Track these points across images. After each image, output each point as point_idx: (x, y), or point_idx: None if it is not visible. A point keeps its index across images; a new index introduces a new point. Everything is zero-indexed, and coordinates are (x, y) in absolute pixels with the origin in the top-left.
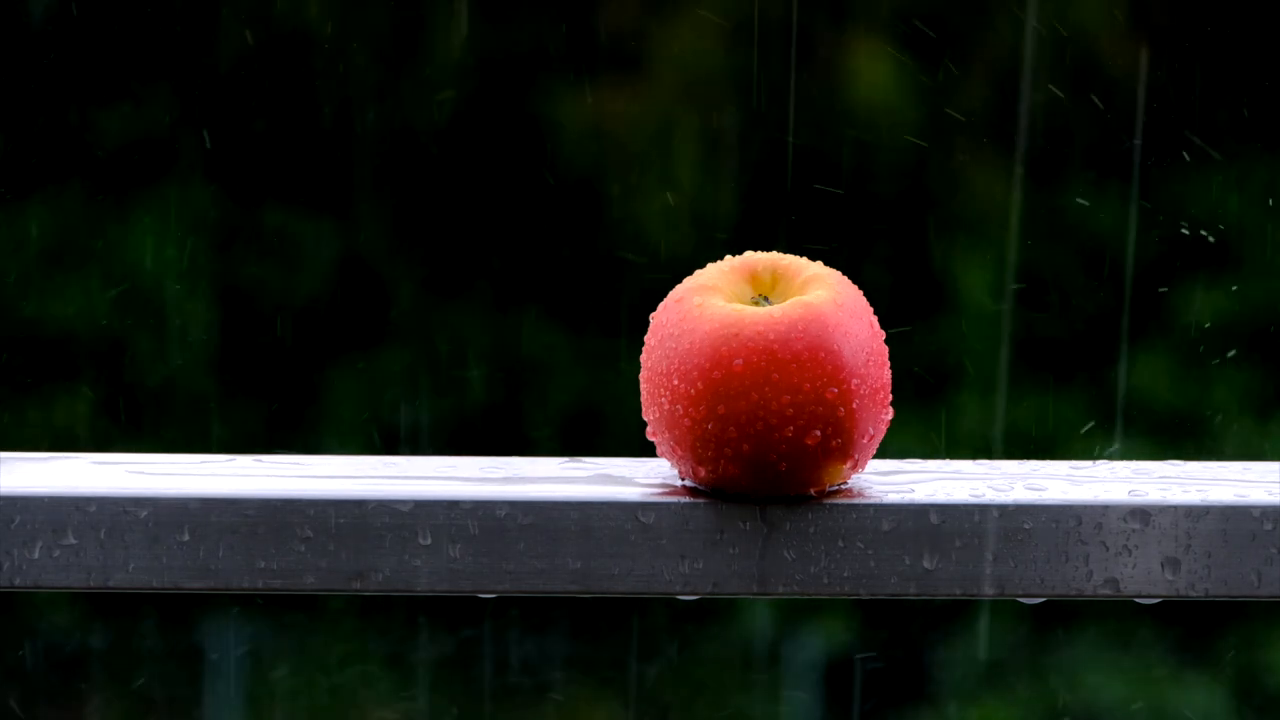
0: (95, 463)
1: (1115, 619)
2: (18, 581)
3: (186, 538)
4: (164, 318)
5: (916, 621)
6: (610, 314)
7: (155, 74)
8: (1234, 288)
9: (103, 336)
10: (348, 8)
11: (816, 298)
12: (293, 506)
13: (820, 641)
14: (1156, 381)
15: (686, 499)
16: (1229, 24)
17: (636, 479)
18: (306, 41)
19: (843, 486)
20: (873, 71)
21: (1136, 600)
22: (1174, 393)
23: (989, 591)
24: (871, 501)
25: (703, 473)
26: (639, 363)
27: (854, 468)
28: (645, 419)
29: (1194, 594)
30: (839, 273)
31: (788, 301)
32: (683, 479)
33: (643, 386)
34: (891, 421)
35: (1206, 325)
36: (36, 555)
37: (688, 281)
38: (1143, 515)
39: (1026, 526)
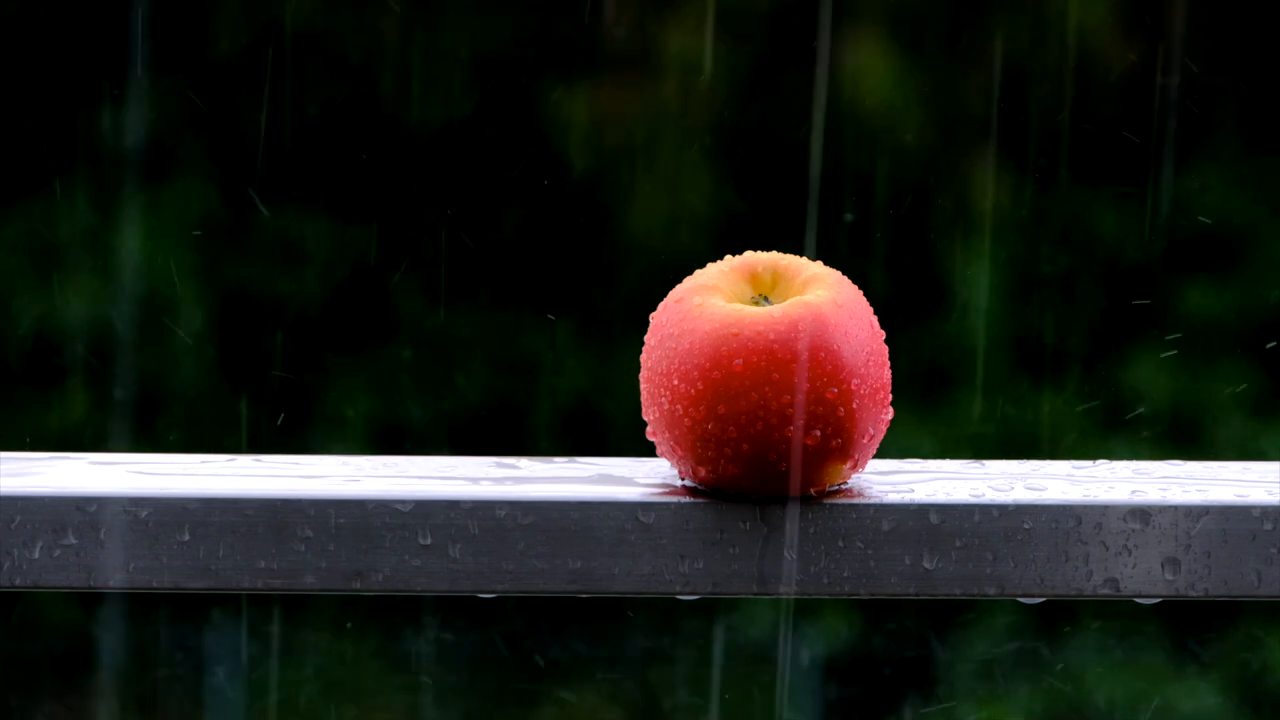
0: (95, 463)
1: (1115, 619)
2: (18, 581)
3: (186, 538)
4: (164, 318)
5: (917, 621)
6: (610, 314)
7: (155, 74)
8: (1234, 288)
9: (103, 336)
10: (348, 8)
11: (816, 298)
12: (293, 506)
13: (820, 641)
14: (1156, 381)
15: (686, 499)
16: (1230, 23)
17: (636, 479)
18: (307, 41)
19: (843, 486)
20: (873, 71)
21: (1136, 600)
22: (1174, 393)
23: (989, 591)
24: (871, 501)
25: (703, 473)
26: (639, 363)
27: (854, 468)
28: (645, 419)
29: (1194, 594)
30: (839, 273)
31: (788, 301)
32: (683, 479)
33: (643, 386)
34: (891, 421)
35: (1206, 325)
36: (36, 555)
37: (688, 281)
38: (1143, 515)
39: (1026, 526)
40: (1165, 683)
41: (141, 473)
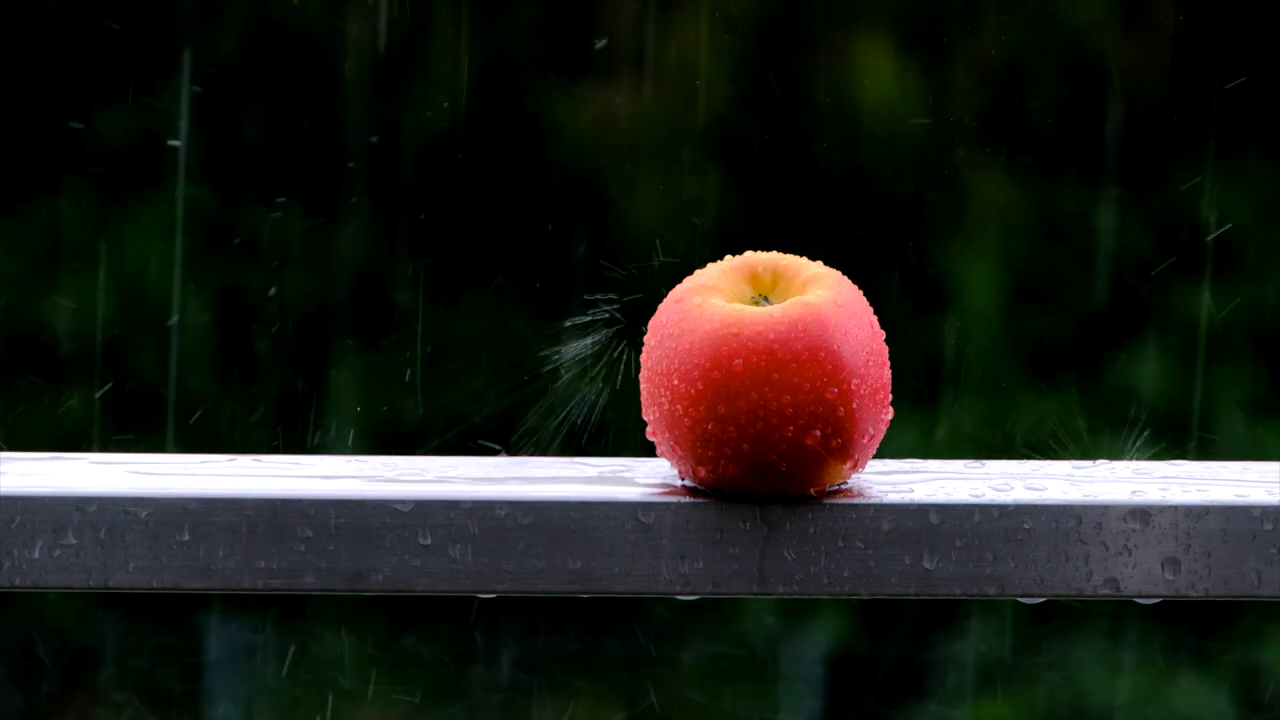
0: (95, 463)
1: (1115, 619)
2: (18, 581)
3: (186, 538)
4: (163, 318)
5: (917, 621)
6: (610, 314)
7: (155, 74)
8: (1234, 288)
9: (103, 336)
10: (349, 8)
11: (816, 298)
12: (293, 506)
13: (820, 641)
14: (1156, 381)
15: (686, 499)
16: (1231, 23)
17: (636, 479)
18: (307, 41)
19: (843, 486)
20: (873, 70)
21: (1136, 600)
22: (1174, 393)
23: (989, 591)
24: (871, 501)
25: (703, 473)
26: (639, 363)
27: (854, 468)
28: (645, 419)
29: (1194, 594)
30: (839, 273)
31: (788, 301)
32: (683, 479)
33: (643, 386)
34: (891, 421)
35: (1206, 325)
36: (36, 555)
37: (688, 281)
38: (1143, 515)
39: (1026, 526)
40: (1165, 683)
41: (141, 473)
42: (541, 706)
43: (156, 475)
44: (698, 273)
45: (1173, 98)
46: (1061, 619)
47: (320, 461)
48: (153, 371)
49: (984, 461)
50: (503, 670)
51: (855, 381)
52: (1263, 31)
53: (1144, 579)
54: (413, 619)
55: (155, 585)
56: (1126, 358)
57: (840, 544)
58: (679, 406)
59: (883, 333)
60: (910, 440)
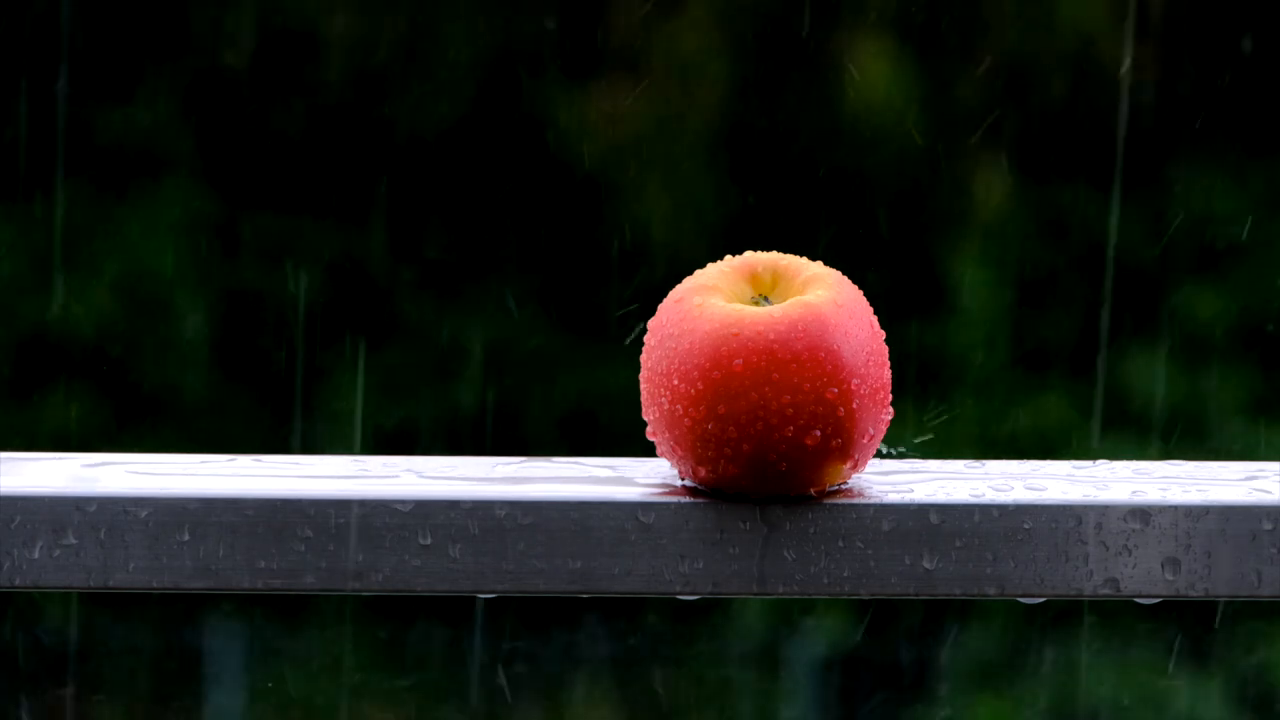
0: (95, 463)
1: (1115, 619)
2: (18, 581)
3: (186, 538)
4: (164, 318)
5: (916, 621)
6: (610, 314)
7: (155, 74)
8: (1234, 287)
9: (103, 336)
10: (349, 8)
11: (816, 298)
12: (293, 506)
13: (820, 641)
14: (1156, 381)
15: (686, 499)
16: (1230, 24)
17: (636, 479)
18: (307, 41)
19: (843, 486)
20: (873, 70)
21: (1136, 600)
22: (1174, 392)
23: (989, 591)
24: (871, 501)
25: (703, 473)
26: (639, 362)
27: (854, 468)
28: (645, 419)
29: (1194, 594)
30: (839, 273)
31: (788, 301)
32: (683, 479)
33: (643, 386)
34: (891, 421)
35: (1206, 325)
36: (36, 555)
37: (688, 281)
38: (1143, 515)
39: (1026, 526)
40: (1165, 683)
41: (141, 473)
42: (541, 707)
43: (156, 475)
44: (698, 273)
45: (1174, 98)
46: (1062, 620)
47: (320, 461)
48: (153, 371)
49: (984, 461)
50: (502, 670)
51: (855, 381)
52: (1263, 31)
53: (1144, 579)
54: (412, 618)
55: (155, 585)
56: (1127, 357)
57: (840, 544)
58: (679, 406)
59: (883, 333)
60: (910, 440)
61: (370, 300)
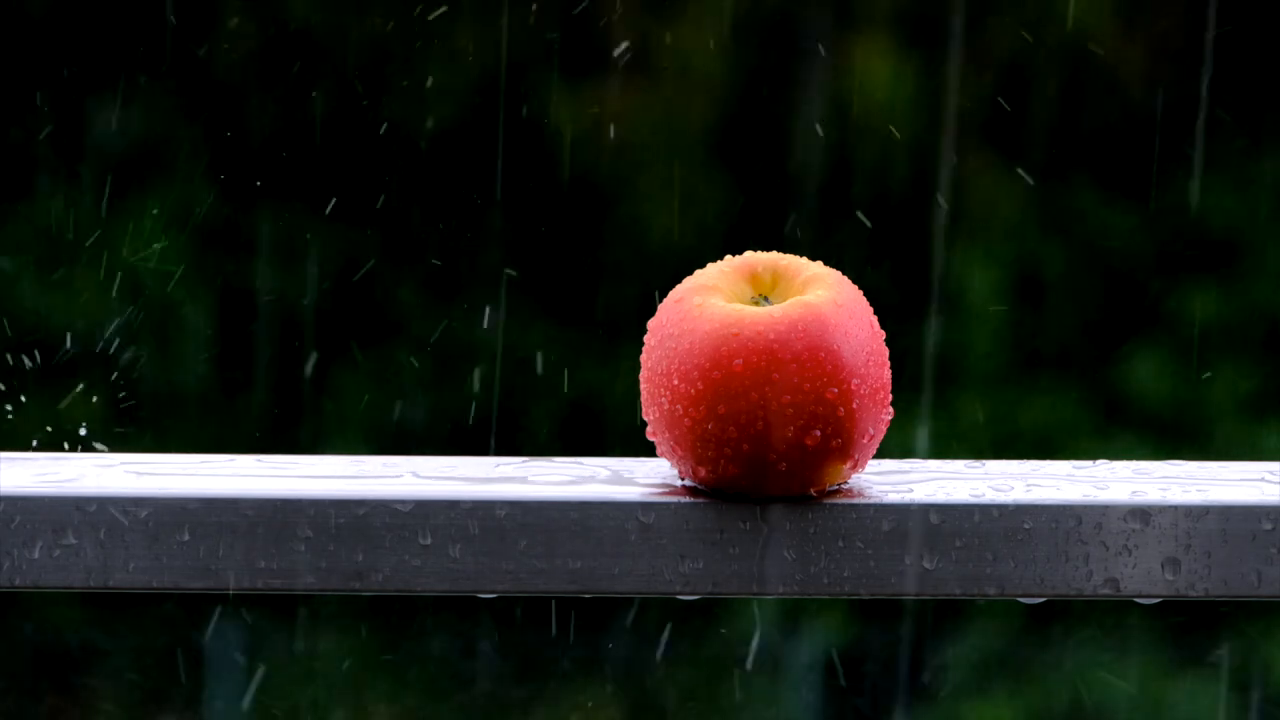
0: (95, 463)
1: (1115, 618)
2: (18, 581)
3: (186, 538)
4: (164, 317)
5: (916, 621)
6: (610, 314)
7: (155, 73)
8: (1234, 288)
9: (103, 336)
10: (349, 8)
11: (816, 298)
12: (293, 506)
13: (820, 641)
14: (1156, 381)
15: (686, 499)
16: (1231, 23)
17: (636, 479)
18: (307, 41)
19: (843, 486)
20: (874, 70)
21: (1136, 600)
22: (1174, 393)
23: (989, 591)
24: (871, 501)
25: (703, 473)
26: (639, 363)
27: (854, 468)
28: (645, 419)
29: (1194, 594)
30: (839, 273)
31: (788, 301)
32: (683, 479)
33: (643, 386)
34: (891, 421)
35: (1206, 325)
36: (36, 555)
37: (688, 281)
38: (1143, 515)
39: (1026, 526)
40: (1165, 683)
41: (141, 473)
42: (541, 707)
43: (156, 475)
44: (698, 273)
45: (1174, 98)
46: (1062, 620)
47: (320, 461)
48: (153, 371)
49: (984, 461)
50: (501, 670)
51: (855, 381)
52: (1264, 32)
53: (1144, 579)
54: (411, 617)
55: (155, 585)
56: (1127, 357)
57: (840, 544)
58: (679, 406)
59: (883, 333)
60: (911, 440)
61: (370, 300)
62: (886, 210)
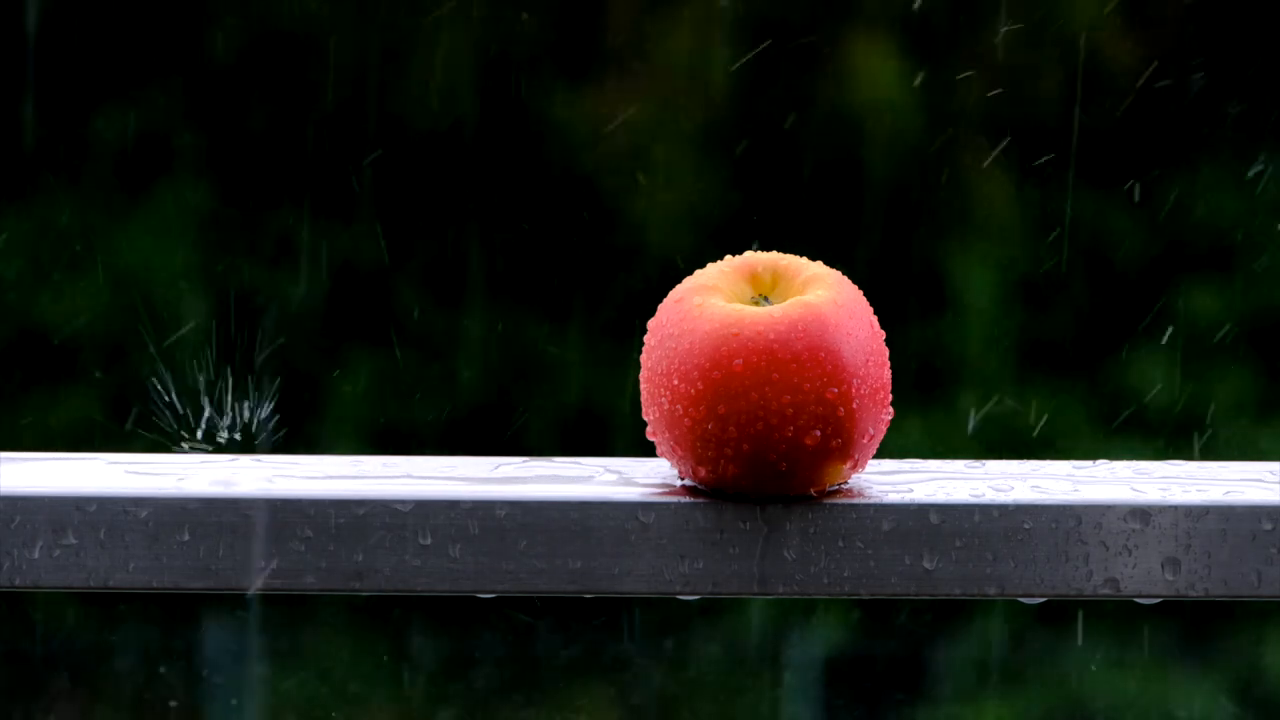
0: (95, 463)
1: (1115, 619)
2: (18, 581)
3: (186, 538)
4: (164, 318)
5: (916, 621)
6: (610, 314)
7: (154, 74)
8: (1234, 287)
9: (103, 336)
10: (348, 7)
11: (816, 298)
12: (293, 506)
13: (820, 641)
14: (1156, 381)
15: (686, 499)
16: (1231, 23)
17: (636, 479)
18: (306, 41)
19: (843, 486)
20: (873, 70)
21: (1136, 600)
22: (1173, 393)
23: (989, 591)
24: (871, 501)
25: (703, 473)
26: (639, 362)
27: (854, 468)
28: (645, 419)
29: (1194, 594)
30: (839, 272)
31: (788, 301)
32: (683, 479)
33: (643, 386)
34: (891, 421)
35: (1206, 325)
36: (36, 555)
37: (687, 281)
38: (1143, 515)
39: (1026, 526)
40: (1165, 683)
41: (141, 473)
42: (541, 707)
43: (156, 475)
44: (697, 273)
45: (1174, 97)
46: (1061, 620)
47: (320, 461)
48: (153, 371)
49: (984, 461)
50: (501, 670)
51: (855, 381)
52: (1264, 31)
53: (1144, 579)
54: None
55: (155, 585)
56: (1127, 357)
57: (840, 544)
58: (679, 406)
59: (883, 333)
60: (911, 440)
61: (370, 300)
62: (886, 210)
